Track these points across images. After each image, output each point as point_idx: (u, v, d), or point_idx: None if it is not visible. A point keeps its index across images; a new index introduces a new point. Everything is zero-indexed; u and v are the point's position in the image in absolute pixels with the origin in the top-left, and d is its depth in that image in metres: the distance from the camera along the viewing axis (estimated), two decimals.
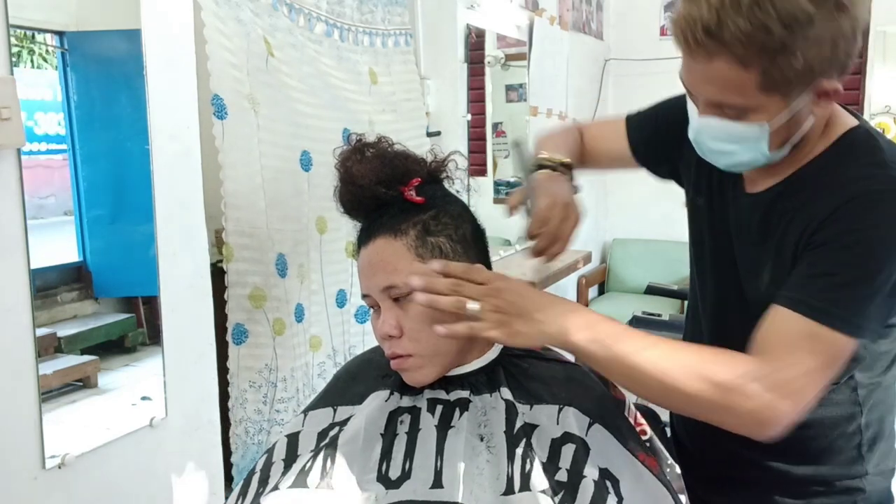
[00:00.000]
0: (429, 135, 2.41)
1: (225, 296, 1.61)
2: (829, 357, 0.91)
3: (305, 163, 1.82)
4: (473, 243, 1.05)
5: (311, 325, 1.90)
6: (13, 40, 1.22)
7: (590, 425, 0.99)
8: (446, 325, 0.94)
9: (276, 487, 1.01)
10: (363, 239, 1.05)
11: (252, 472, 1.09)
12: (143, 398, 1.61)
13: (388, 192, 1.03)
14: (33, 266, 1.26)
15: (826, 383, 0.91)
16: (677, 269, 4.23)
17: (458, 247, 1.02)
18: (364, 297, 1.05)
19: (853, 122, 1.02)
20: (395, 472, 0.97)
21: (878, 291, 0.91)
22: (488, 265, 1.07)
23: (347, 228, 1.92)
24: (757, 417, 0.89)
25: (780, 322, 0.92)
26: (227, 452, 1.69)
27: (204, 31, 1.51)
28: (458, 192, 1.12)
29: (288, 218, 1.78)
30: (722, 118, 0.94)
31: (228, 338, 1.63)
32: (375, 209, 1.04)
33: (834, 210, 0.93)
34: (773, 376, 0.89)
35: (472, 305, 0.92)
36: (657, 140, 1.24)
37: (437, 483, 0.95)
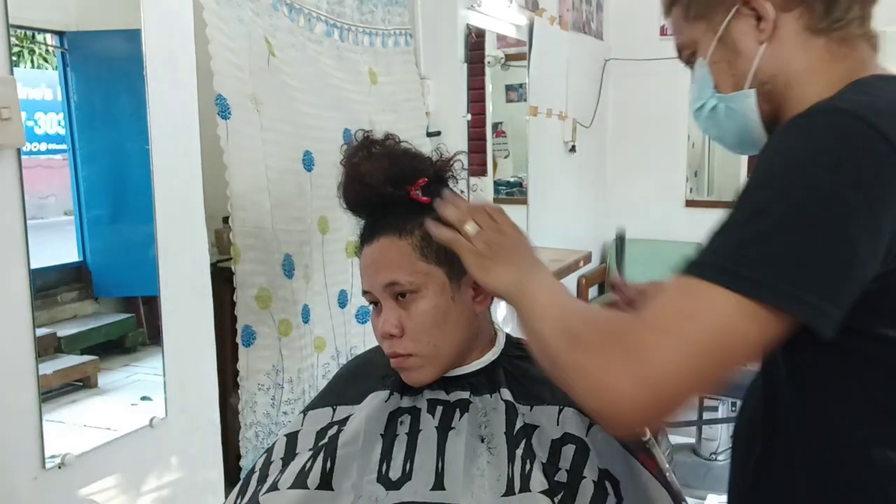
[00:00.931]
0: (429, 135, 2.41)
1: (234, 297, 1.60)
2: (701, 317, 0.68)
3: (308, 163, 1.82)
4: None
5: (316, 326, 1.90)
6: (13, 40, 1.22)
7: (590, 426, 0.99)
8: (435, 224, 0.96)
9: (274, 486, 1.01)
10: (366, 236, 1.05)
11: (252, 472, 1.09)
12: (143, 398, 1.61)
13: (395, 192, 1.03)
14: (33, 266, 1.26)
15: (705, 361, 0.68)
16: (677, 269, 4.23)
17: None
18: (365, 293, 1.05)
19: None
20: (395, 474, 0.97)
21: (776, 229, 0.68)
22: None
23: (348, 228, 1.92)
24: (590, 377, 0.71)
25: (665, 287, 0.74)
26: (227, 453, 1.69)
27: (206, 31, 1.51)
28: (461, 191, 1.12)
29: (293, 218, 1.77)
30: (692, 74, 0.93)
31: (238, 340, 1.62)
32: (381, 207, 1.04)
33: None
34: (625, 330, 0.72)
35: (470, 228, 0.94)
36: None
37: (439, 485, 0.95)
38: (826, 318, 0.68)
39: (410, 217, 1.02)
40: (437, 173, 1.08)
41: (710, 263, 0.71)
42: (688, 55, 0.91)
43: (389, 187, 1.02)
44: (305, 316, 1.83)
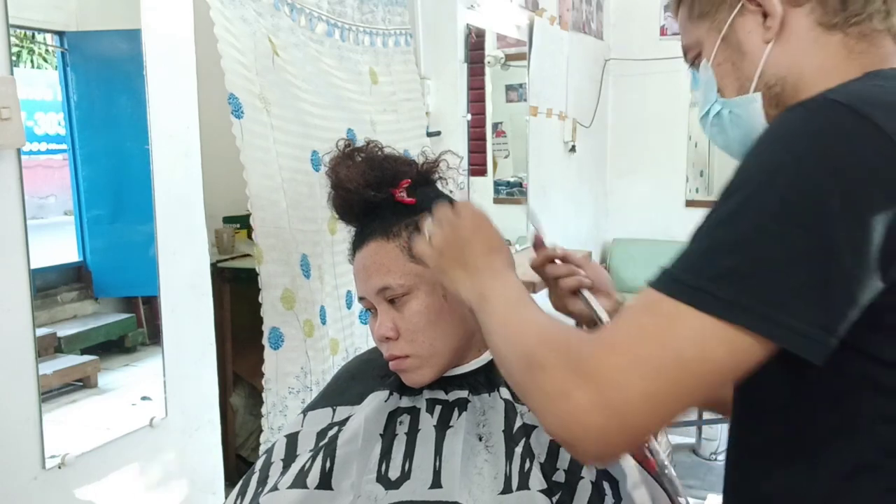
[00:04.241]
0: (429, 135, 2.41)
1: (259, 298, 1.59)
2: (664, 337, 0.62)
3: (316, 163, 1.81)
4: None
5: (329, 328, 1.90)
6: (13, 40, 1.22)
7: None
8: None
9: (275, 487, 1.01)
10: (357, 243, 1.06)
11: (251, 472, 1.09)
12: (143, 398, 1.61)
13: (378, 195, 1.03)
14: (33, 266, 1.26)
15: (670, 384, 0.61)
16: None
17: None
18: (360, 299, 1.06)
19: None
20: (394, 473, 0.97)
21: (749, 239, 0.61)
22: None
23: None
24: (553, 403, 0.65)
25: (631, 301, 0.69)
26: (227, 453, 1.69)
27: (214, 30, 1.51)
28: (451, 192, 1.12)
29: (306, 219, 1.77)
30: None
31: (265, 342, 1.60)
32: (367, 213, 1.05)
33: None
34: (582, 351, 0.65)
35: (427, 227, 0.92)
36: None
37: (437, 483, 0.95)
38: (811, 343, 0.59)
39: (397, 219, 1.02)
40: (421, 175, 1.08)
41: (677, 277, 0.63)
42: (693, 56, 0.85)
43: (372, 191, 1.03)
44: (322, 317, 1.82)
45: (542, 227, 1.08)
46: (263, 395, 1.62)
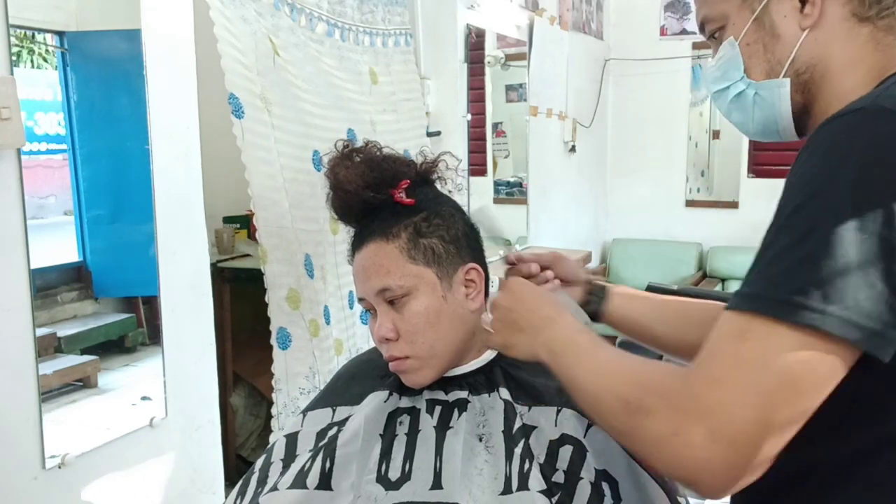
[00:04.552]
0: (429, 135, 2.41)
1: (266, 298, 1.59)
2: (764, 360, 0.62)
3: (317, 163, 1.81)
4: (466, 243, 1.05)
5: (333, 328, 1.90)
6: (13, 40, 1.22)
7: (588, 427, 0.99)
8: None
9: (274, 487, 1.01)
10: (356, 244, 1.06)
11: (251, 472, 1.09)
12: (143, 398, 1.61)
13: (378, 196, 1.03)
14: (33, 266, 1.26)
15: (780, 406, 0.62)
16: (677, 269, 4.23)
17: (451, 247, 1.03)
18: (360, 300, 1.06)
19: None
20: (394, 474, 0.97)
21: (827, 252, 0.61)
22: (483, 264, 1.07)
23: None
24: (664, 446, 0.65)
25: (716, 328, 0.67)
26: (227, 453, 1.69)
27: (214, 30, 1.51)
28: (450, 192, 1.12)
29: (308, 218, 1.76)
30: (714, 51, 0.86)
31: (273, 342, 1.60)
32: (366, 214, 1.05)
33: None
34: (685, 390, 0.65)
35: (485, 316, 0.97)
36: None
37: (437, 484, 0.95)
38: (887, 343, 0.61)
39: (396, 220, 1.02)
40: (420, 175, 1.08)
41: (762, 295, 0.63)
42: (713, 29, 0.84)
43: (371, 192, 1.02)
44: (327, 317, 1.82)
45: (499, 224, 1.14)
46: (273, 395, 1.62)
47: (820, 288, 0.60)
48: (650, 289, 3.31)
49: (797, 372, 0.61)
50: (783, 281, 0.63)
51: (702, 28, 0.87)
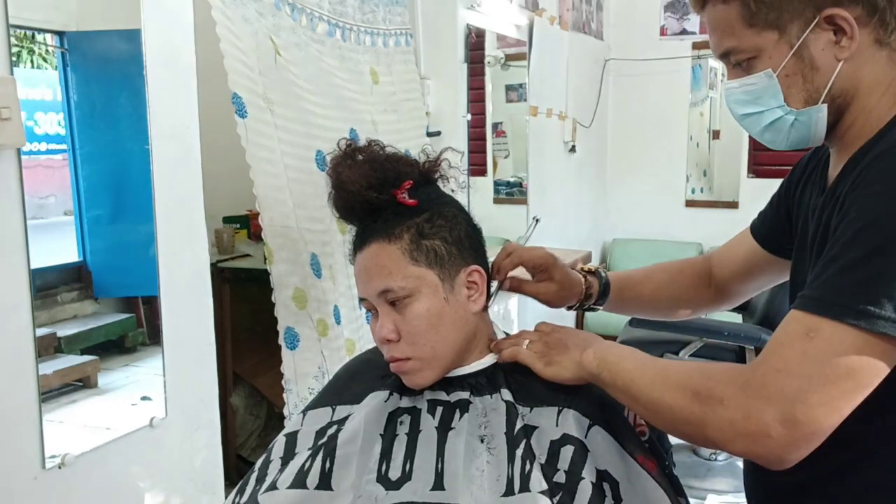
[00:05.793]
0: (429, 135, 2.41)
1: (272, 298, 1.59)
2: (831, 356, 0.74)
3: (320, 162, 1.80)
4: (469, 244, 1.05)
5: (344, 328, 1.90)
6: (13, 40, 1.22)
7: (589, 427, 0.99)
8: (503, 350, 1.04)
9: (273, 485, 1.01)
10: (358, 244, 1.05)
11: (251, 471, 1.09)
12: (143, 398, 1.61)
13: (380, 197, 1.02)
14: (33, 266, 1.26)
15: (842, 394, 0.75)
16: None
17: (454, 248, 1.03)
18: (361, 300, 1.06)
19: None
20: (395, 474, 0.97)
21: (893, 268, 0.73)
22: (485, 265, 1.07)
23: None
24: (739, 428, 0.77)
25: (782, 325, 0.79)
26: (227, 453, 1.69)
27: (216, 30, 1.51)
28: (452, 191, 1.12)
29: (314, 218, 1.76)
30: (739, 77, 0.90)
31: (281, 342, 1.60)
32: (369, 214, 1.04)
33: (857, 175, 0.81)
34: (755, 379, 0.77)
35: (525, 342, 1.04)
36: (778, 216, 1.15)
37: (439, 485, 0.95)
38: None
39: (399, 221, 1.01)
40: (423, 175, 1.08)
41: (834, 302, 0.75)
42: (742, 59, 0.89)
43: (374, 192, 1.02)
44: (337, 317, 1.82)
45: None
46: (284, 395, 1.62)
47: (884, 299, 0.73)
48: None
49: (858, 367, 0.74)
50: (856, 292, 0.74)
51: (724, 56, 0.92)
